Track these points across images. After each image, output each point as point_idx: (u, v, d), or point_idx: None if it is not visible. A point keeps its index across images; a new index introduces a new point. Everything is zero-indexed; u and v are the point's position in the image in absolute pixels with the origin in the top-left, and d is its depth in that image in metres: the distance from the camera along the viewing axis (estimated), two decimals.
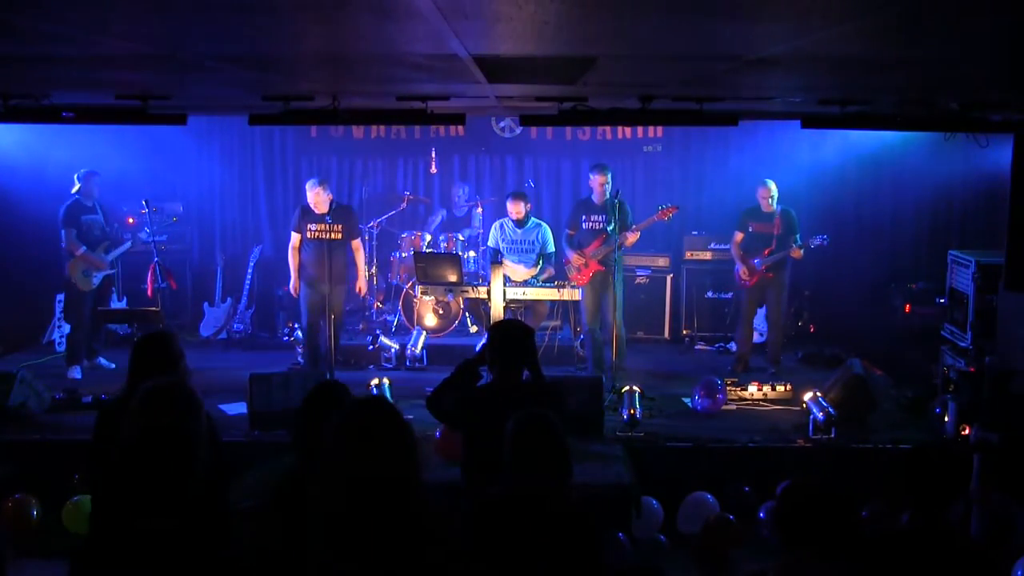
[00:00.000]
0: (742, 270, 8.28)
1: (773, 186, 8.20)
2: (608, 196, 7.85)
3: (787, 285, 8.42)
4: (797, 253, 8.04)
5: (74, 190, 8.11)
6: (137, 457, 2.73)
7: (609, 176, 7.86)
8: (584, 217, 7.94)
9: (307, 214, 7.86)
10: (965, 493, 3.21)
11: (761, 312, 8.67)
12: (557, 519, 3.10)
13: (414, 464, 2.53)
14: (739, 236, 8.38)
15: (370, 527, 2.42)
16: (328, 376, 7.27)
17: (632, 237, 7.78)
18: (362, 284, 8.23)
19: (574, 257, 7.95)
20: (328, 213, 7.74)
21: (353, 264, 8.27)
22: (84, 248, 8.08)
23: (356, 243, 8.06)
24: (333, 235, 7.72)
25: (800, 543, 2.82)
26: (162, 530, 2.64)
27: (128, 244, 8.39)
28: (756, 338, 8.72)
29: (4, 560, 3.48)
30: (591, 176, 7.95)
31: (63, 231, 8.09)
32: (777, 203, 8.20)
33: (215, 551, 2.72)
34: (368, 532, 2.42)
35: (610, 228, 7.76)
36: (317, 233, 7.77)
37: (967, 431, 6.31)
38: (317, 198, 7.78)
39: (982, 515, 4.80)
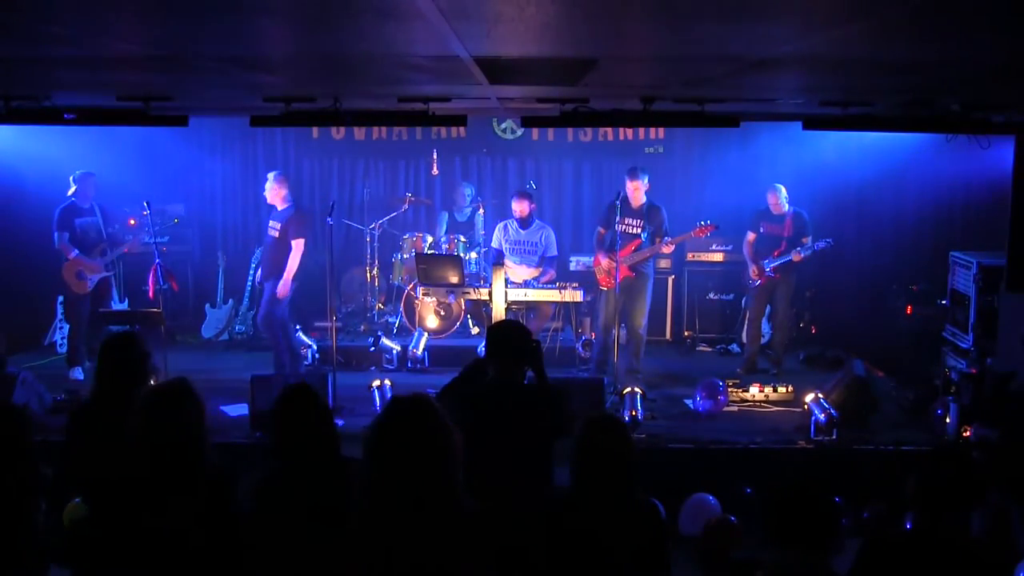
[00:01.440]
0: (753, 270, 8.27)
1: (783, 190, 8.21)
2: (646, 200, 7.77)
3: (794, 288, 8.43)
4: (797, 257, 8.05)
5: (69, 192, 8.10)
6: (151, 457, 2.74)
7: (643, 180, 7.69)
8: (618, 219, 7.70)
9: (271, 209, 8.07)
10: (979, 500, 3.21)
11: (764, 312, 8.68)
12: (627, 515, 3.13)
13: (453, 462, 2.55)
14: (751, 236, 8.38)
15: (415, 521, 2.43)
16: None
17: (667, 248, 7.70)
18: (281, 287, 7.82)
19: (605, 261, 7.78)
20: (280, 209, 7.91)
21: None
22: (76, 252, 8.07)
23: (296, 243, 7.81)
24: (275, 232, 7.88)
25: (788, 541, 2.84)
26: (166, 529, 2.65)
27: (123, 248, 8.33)
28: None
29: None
30: (627, 180, 7.73)
31: (55, 234, 8.08)
32: (789, 205, 8.19)
33: (216, 551, 2.73)
34: (413, 527, 2.43)
35: (645, 235, 7.69)
36: (270, 229, 8.00)
37: (968, 433, 6.32)
38: (268, 187, 7.93)
39: (982, 514, 4.80)
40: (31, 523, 3.33)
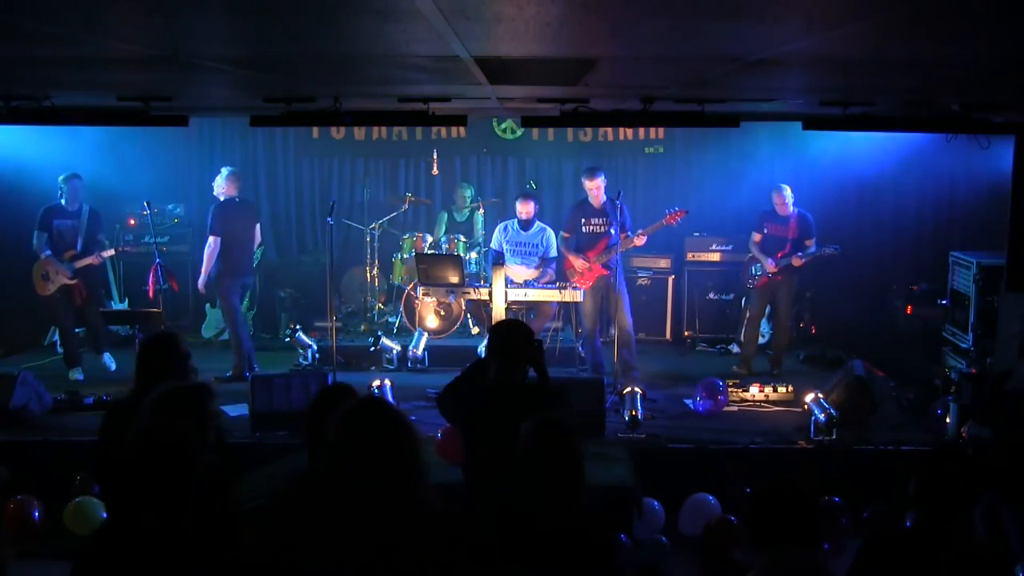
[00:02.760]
0: (769, 264, 8.22)
1: (788, 191, 8.18)
2: (606, 198, 7.82)
3: (796, 290, 8.40)
4: (797, 262, 8.03)
5: (60, 193, 8.10)
6: (141, 458, 2.74)
7: (602, 178, 7.79)
8: (583, 220, 7.86)
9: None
10: (978, 499, 3.21)
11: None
12: (571, 522, 3.11)
13: (416, 462, 2.54)
14: (757, 237, 8.36)
15: (373, 526, 2.42)
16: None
17: (639, 240, 7.74)
18: (200, 281, 8.06)
19: (578, 262, 7.84)
20: None
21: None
22: (48, 253, 8.03)
23: (210, 239, 7.95)
24: None
25: (773, 540, 2.84)
26: (165, 531, 2.64)
27: (91, 259, 8.10)
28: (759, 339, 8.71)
29: (4, 563, 3.49)
30: (585, 180, 7.84)
31: (35, 233, 8.07)
32: (794, 205, 8.19)
33: (219, 552, 2.72)
34: (372, 531, 2.42)
35: (612, 231, 7.74)
36: None
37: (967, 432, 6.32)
38: (219, 181, 8.06)
39: (976, 513, 4.81)
40: None
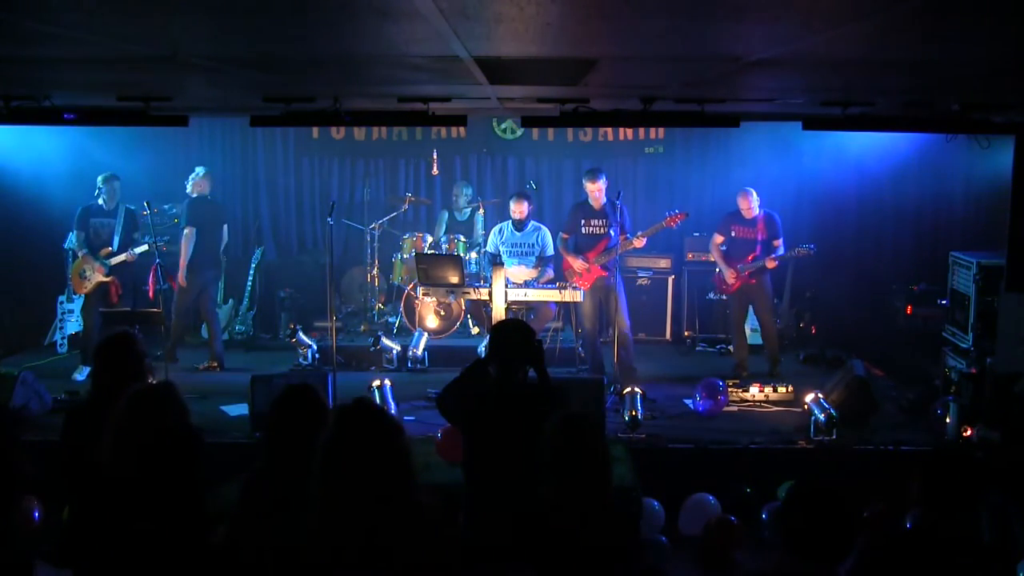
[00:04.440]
0: (728, 273, 8.21)
1: (754, 194, 8.12)
2: (606, 200, 7.83)
3: (771, 290, 8.28)
4: (771, 263, 8.00)
5: (97, 193, 8.24)
6: (139, 460, 2.74)
7: (603, 181, 7.81)
8: (583, 221, 7.88)
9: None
10: (980, 499, 3.20)
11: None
12: (599, 521, 3.11)
13: (407, 465, 2.54)
14: (719, 238, 8.32)
15: (367, 529, 2.42)
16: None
17: (638, 242, 7.75)
18: (179, 276, 8.34)
19: (577, 263, 7.86)
20: None
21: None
22: (86, 250, 8.18)
23: (185, 231, 8.37)
24: None
25: (803, 545, 2.81)
26: (162, 532, 2.64)
27: (124, 255, 8.24)
28: (755, 338, 8.67)
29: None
30: (587, 182, 7.86)
31: (72, 232, 8.30)
32: (760, 207, 8.13)
33: (196, 551, 2.73)
34: (364, 534, 2.42)
35: (612, 233, 7.74)
36: None
37: (968, 433, 6.32)
38: (195, 180, 8.47)
39: (982, 514, 4.81)
40: (9, 522, 3.29)
